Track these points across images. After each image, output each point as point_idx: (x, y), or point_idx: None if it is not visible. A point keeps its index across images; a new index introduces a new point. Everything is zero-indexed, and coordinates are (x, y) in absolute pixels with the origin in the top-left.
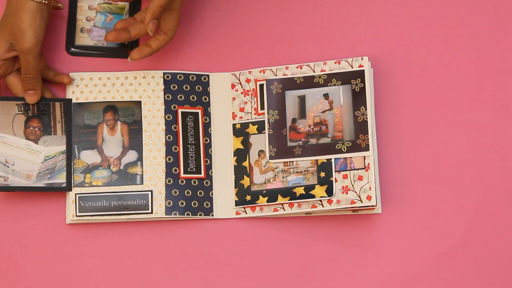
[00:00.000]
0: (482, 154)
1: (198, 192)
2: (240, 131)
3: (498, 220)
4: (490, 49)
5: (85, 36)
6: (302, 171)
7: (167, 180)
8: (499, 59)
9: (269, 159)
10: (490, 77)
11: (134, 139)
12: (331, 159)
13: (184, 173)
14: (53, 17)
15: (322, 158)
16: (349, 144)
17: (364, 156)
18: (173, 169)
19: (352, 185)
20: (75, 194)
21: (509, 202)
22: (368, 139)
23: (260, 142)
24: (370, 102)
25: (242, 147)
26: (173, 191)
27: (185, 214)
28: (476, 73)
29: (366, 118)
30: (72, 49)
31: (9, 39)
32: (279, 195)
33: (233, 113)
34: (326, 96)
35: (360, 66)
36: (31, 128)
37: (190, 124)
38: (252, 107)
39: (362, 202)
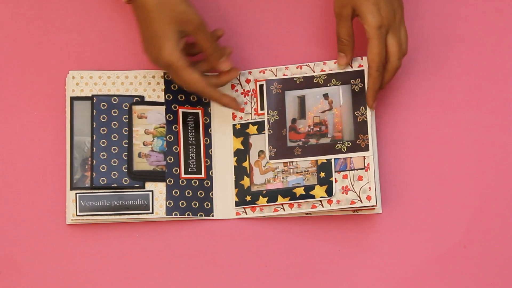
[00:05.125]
0: (482, 154)
1: (198, 193)
2: (240, 132)
3: (498, 220)
4: (490, 49)
5: (143, 161)
6: (302, 172)
7: (167, 180)
8: (499, 59)
9: (269, 159)
10: (490, 77)
11: None
12: (331, 159)
13: (184, 173)
14: None
15: (322, 158)
16: (349, 144)
17: (364, 156)
18: (173, 169)
19: (352, 185)
20: (76, 193)
21: (509, 202)
22: (368, 139)
23: (260, 142)
24: None
25: (242, 148)
26: (173, 192)
27: (186, 214)
28: (476, 73)
29: (366, 118)
30: (131, 173)
31: (178, 28)
32: (279, 196)
33: (233, 113)
34: (325, 96)
35: (360, 66)
36: None
37: (191, 124)
38: (252, 108)
39: (362, 202)
